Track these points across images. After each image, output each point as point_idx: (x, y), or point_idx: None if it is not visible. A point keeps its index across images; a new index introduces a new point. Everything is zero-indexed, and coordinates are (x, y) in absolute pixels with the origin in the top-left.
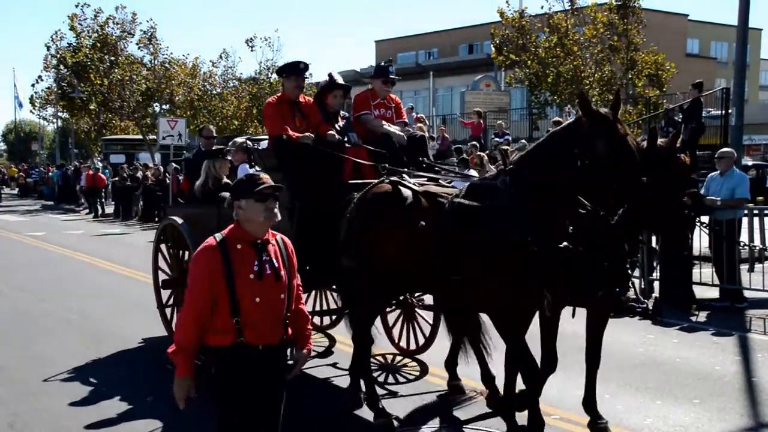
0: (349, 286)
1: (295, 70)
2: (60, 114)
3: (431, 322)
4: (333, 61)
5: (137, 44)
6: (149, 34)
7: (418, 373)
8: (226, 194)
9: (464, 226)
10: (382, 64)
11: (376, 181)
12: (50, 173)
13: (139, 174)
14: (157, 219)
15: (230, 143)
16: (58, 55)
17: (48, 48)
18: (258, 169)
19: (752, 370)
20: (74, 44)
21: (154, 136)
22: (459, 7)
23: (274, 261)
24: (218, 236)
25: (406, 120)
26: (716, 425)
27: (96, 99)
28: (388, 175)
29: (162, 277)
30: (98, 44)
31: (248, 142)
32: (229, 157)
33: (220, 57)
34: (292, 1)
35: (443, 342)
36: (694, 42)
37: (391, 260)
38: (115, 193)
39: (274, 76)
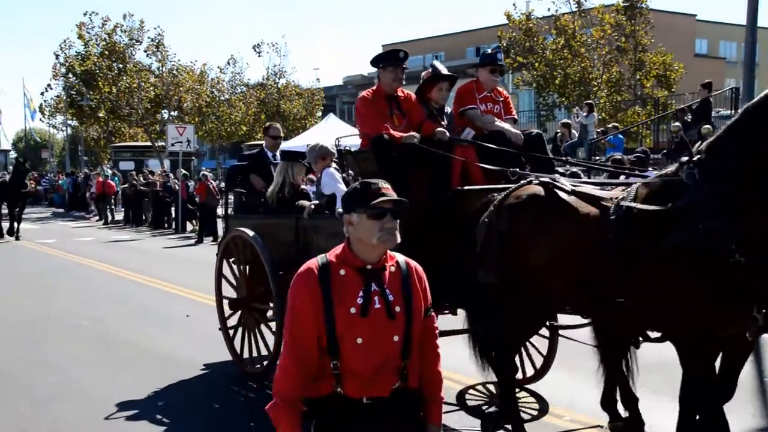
0: (486, 305)
1: (393, 60)
2: (69, 122)
3: (546, 346)
4: (341, 66)
5: (145, 51)
6: (157, 41)
7: (536, 411)
8: (305, 203)
9: (639, 235)
10: (489, 50)
11: (521, 183)
12: (60, 181)
13: (149, 179)
14: (166, 225)
15: (308, 148)
16: (67, 64)
17: (57, 56)
18: (351, 173)
19: (764, 371)
20: (82, 53)
21: (163, 143)
22: (466, 10)
23: (389, 293)
24: (322, 259)
25: (516, 116)
26: None
27: (105, 106)
28: (536, 177)
29: (220, 298)
30: (106, 52)
31: (338, 140)
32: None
33: (228, 63)
34: (299, 7)
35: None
36: (702, 42)
37: (542, 276)
38: (124, 200)
39: (282, 81)
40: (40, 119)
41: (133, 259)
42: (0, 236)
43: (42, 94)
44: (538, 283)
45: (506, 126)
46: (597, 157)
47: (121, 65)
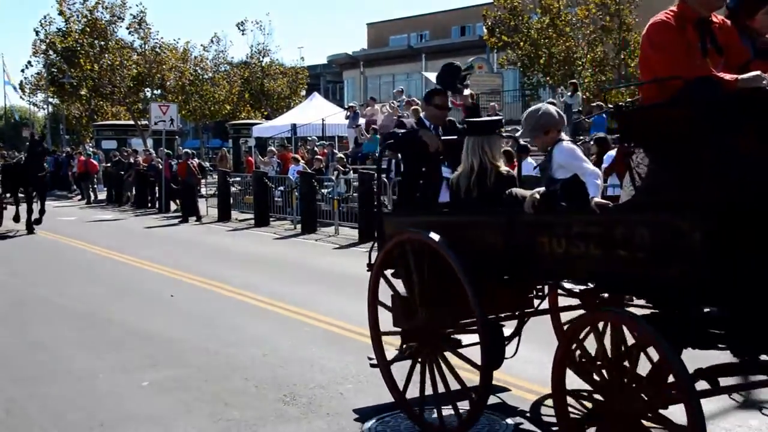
0: None
1: None
2: (50, 100)
3: None
4: (325, 45)
5: (127, 29)
6: (139, 18)
7: None
8: (522, 191)
9: None
10: None
11: None
12: None
13: (131, 159)
14: (152, 205)
15: (523, 118)
16: (48, 41)
17: (37, 33)
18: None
19: None
20: (63, 29)
21: (146, 122)
22: None
23: None
24: None
25: None
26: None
27: (86, 84)
28: None
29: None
30: (88, 29)
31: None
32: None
33: (211, 41)
34: None
35: None
36: None
37: None
38: (106, 179)
39: (266, 59)
40: (21, 97)
41: (117, 238)
42: (17, 220)
43: (22, 71)
44: None
45: None
46: (581, 137)
47: (102, 42)
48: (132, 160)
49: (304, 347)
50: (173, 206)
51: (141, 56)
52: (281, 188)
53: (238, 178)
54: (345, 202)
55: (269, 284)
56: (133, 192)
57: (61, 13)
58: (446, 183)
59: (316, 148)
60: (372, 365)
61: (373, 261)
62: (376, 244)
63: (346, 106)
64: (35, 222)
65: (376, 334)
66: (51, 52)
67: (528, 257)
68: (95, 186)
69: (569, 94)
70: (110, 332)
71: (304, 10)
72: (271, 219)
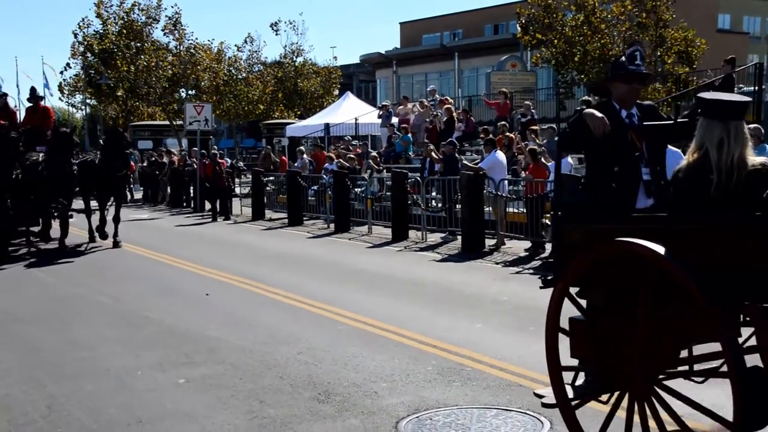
0: None
1: None
2: (88, 101)
3: None
4: (358, 44)
5: (162, 30)
6: (174, 19)
7: None
8: None
9: None
10: None
11: None
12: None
13: (165, 159)
14: (187, 204)
15: None
16: (85, 43)
17: (75, 35)
18: None
19: None
20: (101, 31)
21: (181, 122)
22: None
23: None
24: None
25: None
26: None
27: (123, 85)
28: None
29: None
30: (124, 31)
31: None
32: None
33: (245, 41)
34: None
35: None
36: (725, 17)
37: None
38: (142, 179)
39: (299, 59)
40: (59, 98)
41: (153, 237)
42: (91, 239)
43: (61, 73)
44: None
45: None
46: None
47: (138, 44)
48: (165, 160)
49: (338, 346)
50: (208, 205)
51: (176, 57)
52: (314, 187)
53: (271, 178)
54: (378, 201)
55: (304, 283)
56: (168, 191)
57: (98, 15)
58: (643, 185)
59: (349, 147)
60: (545, 405)
61: (550, 276)
62: (551, 258)
63: (378, 106)
64: (99, 232)
65: (555, 367)
66: (89, 54)
67: None
68: (131, 185)
69: None
70: (147, 330)
71: (337, 10)
72: (304, 218)
